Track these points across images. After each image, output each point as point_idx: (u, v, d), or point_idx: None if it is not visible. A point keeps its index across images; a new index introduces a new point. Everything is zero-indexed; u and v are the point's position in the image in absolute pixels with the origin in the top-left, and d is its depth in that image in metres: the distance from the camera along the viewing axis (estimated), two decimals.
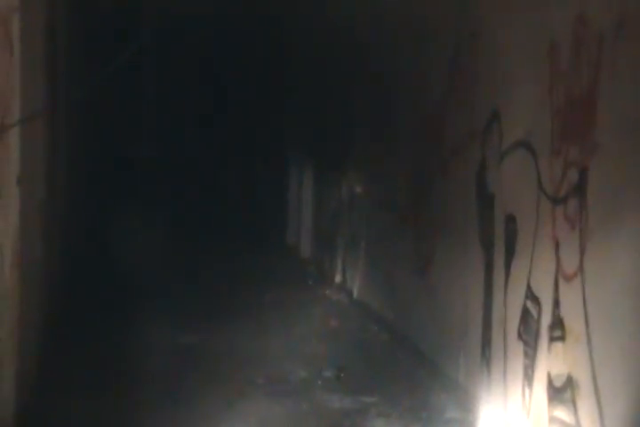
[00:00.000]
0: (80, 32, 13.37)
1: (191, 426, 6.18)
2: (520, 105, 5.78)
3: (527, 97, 5.63)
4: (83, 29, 13.69)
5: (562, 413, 4.93)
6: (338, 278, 11.88)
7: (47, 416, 6.27)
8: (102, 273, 12.53)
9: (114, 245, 13.09)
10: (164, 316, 9.56)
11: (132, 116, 17.43)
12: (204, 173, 17.64)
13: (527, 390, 5.43)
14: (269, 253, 14.81)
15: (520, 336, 5.59)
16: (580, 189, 4.79)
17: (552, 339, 5.09)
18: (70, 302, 10.30)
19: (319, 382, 7.33)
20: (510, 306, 5.79)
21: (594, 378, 4.58)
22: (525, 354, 5.48)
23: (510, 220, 5.85)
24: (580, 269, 4.75)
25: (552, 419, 5.05)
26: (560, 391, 4.94)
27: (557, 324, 5.01)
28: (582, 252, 4.72)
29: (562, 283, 4.98)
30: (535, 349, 5.32)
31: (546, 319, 5.17)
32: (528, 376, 5.42)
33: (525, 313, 5.50)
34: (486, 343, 6.24)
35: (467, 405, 6.53)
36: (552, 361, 5.08)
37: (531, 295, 5.42)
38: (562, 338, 4.96)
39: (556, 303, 5.03)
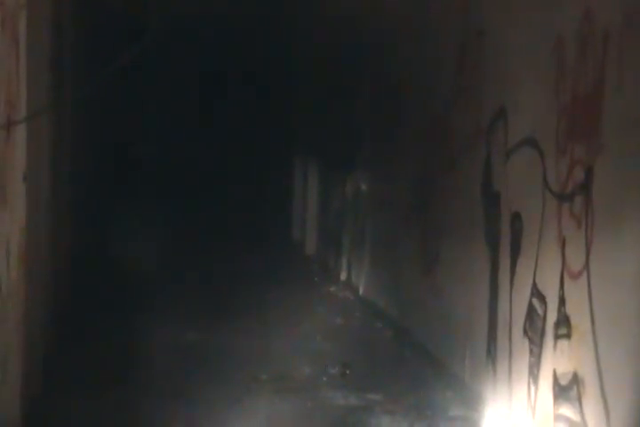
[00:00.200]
0: (86, 29, 13.38)
1: (198, 424, 6.19)
2: (526, 103, 5.78)
3: (533, 95, 5.62)
4: (89, 26, 13.70)
5: (567, 411, 4.92)
6: (343, 276, 11.88)
7: (53, 415, 6.28)
8: (106, 272, 12.55)
9: (117, 244, 13.11)
10: (169, 314, 9.57)
11: (133, 116, 17.44)
12: (209, 172, 17.65)
13: (533, 388, 5.43)
14: (275, 251, 14.82)
15: (526, 334, 5.59)
16: (585, 187, 4.79)
17: (558, 337, 5.08)
18: (75, 300, 10.32)
19: (324, 379, 7.34)
20: (516, 304, 5.79)
21: (600, 376, 4.58)
22: (531, 352, 5.48)
23: (516, 218, 5.85)
24: (586, 266, 4.75)
25: (558, 417, 5.05)
26: (566, 389, 4.94)
27: (563, 322, 5.01)
28: (588, 250, 4.72)
29: (567, 281, 4.98)
30: (541, 347, 5.31)
31: (551, 317, 5.17)
32: (533, 374, 5.42)
33: (531, 311, 5.50)
34: (492, 341, 6.24)
35: (472, 403, 6.53)
36: (558, 359, 5.08)
37: (536, 293, 5.42)
38: (567, 336, 4.95)
39: (562, 301, 5.03)
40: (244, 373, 7.39)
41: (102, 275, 12.35)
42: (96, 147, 15.93)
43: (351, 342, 8.73)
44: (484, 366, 6.37)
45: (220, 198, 17.27)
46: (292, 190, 15.98)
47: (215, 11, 13.68)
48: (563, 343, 5.02)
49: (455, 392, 6.93)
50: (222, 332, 8.89)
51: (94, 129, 15.61)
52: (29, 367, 6.12)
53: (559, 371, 5.04)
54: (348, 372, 7.53)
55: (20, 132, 5.75)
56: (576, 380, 4.82)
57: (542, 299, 5.31)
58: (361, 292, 10.78)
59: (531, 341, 5.50)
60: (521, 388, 5.63)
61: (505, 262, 6.03)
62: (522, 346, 5.64)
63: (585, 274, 4.76)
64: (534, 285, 5.46)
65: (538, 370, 5.36)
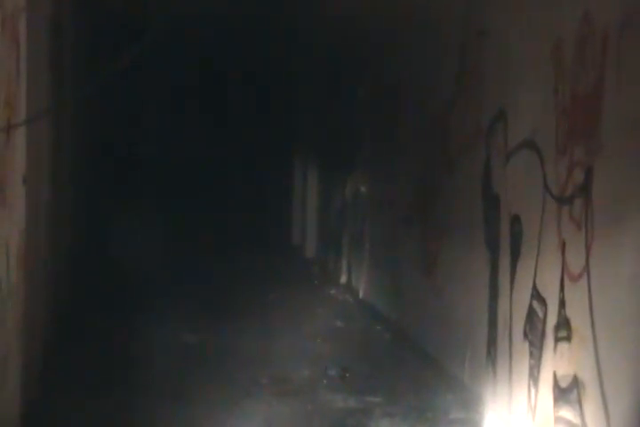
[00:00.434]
0: (86, 30, 13.38)
1: (197, 426, 6.18)
2: (526, 105, 5.77)
3: (533, 97, 5.62)
4: (89, 27, 13.70)
5: (568, 413, 4.92)
6: (343, 278, 11.88)
7: (52, 415, 6.27)
8: (105, 272, 12.55)
9: (116, 245, 13.11)
10: (168, 315, 9.56)
11: (133, 116, 17.44)
12: (208, 172, 17.64)
13: (533, 391, 5.43)
14: (275, 253, 14.81)
15: (526, 336, 5.58)
16: (585, 189, 4.78)
17: (558, 339, 5.08)
18: (75, 300, 10.31)
19: (324, 382, 7.33)
20: (516, 306, 5.78)
21: (600, 378, 4.57)
22: (531, 354, 5.47)
23: (516, 220, 5.84)
24: (586, 269, 4.74)
25: (558, 419, 5.04)
26: (566, 392, 4.93)
27: (563, 324, 5.00)
28: (588, 252, 4.72)
29: (568, 283, 4.97)
30: (541, 349, 5.31)
31: (552, 320, 5.16)
32: (534, 377, 5.41)
33: (531, 313, 5.49)
34: (492, 344, 6.23)
35: (472, 405, 6.52)
36: (558, 361, 5.07)
37: (536, 295, 5.41)
38: (568, 338, 4.95)
39: (562, 304, 5.02)
40: (243, 375, 7.39)
41: (102, 275, 12.36)
42: (96, 147, 15.94)
43: (351, 345, 8.72)
44: (484, 368, 6.36)
45: (217, 199, 17.26)
46: (292, 191, 15.97)
47: (215, 11, 13.66)
48: (563, 346, 5.01)
49: (455, 394, 6.92)
50: (221, 334, 8.89)
51: (94, 129, 15.61)
52: (29, 368, 6.11)
53: (559, 373, 5.04)
54: (347, 374, 7.53)
55: (20, 135, 5.75)
56: (576, 382, 4.81)
57: (542, 301, 5.31)
58: (361, 294, 10.77)
59: (531, 343, 5.49)
60: (521, 390, 5.62)
61: (505, 265, 6.03)
62: (522, 348, 5.63)
63: (585, 276, 4.76)
64: (534, 287, 5.45)
65: (538, 372, 5.35)
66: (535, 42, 5.59)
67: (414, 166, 8.58)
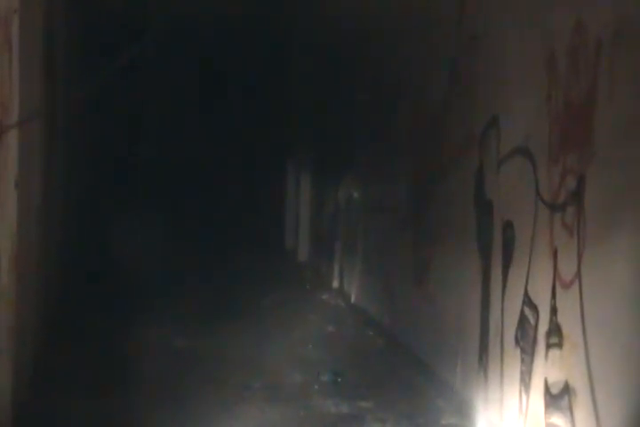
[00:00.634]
0: (79, 32, 13.37)
1: None
2: (518, 111, 5.77)
3: (525, 103, 5.62)
4: (81, 30, 13.69)
5: (559, 420, 4.92)
6: (335, 283, 11.87)
7: (43, 418, 6.26)
8: (100, 274, 12.53)
9: (112, 247, 13.10)
10: (161, 319, 9.55)
11: (131, 117, 17.43)
12: (203, 174, 17.63)
13: (524, 397, 5.43)
14: (267, 257, 14.80)
15: (517, 343, 5.58)
16: (577, 196, 4.78)
17: (549, 346, 5.08)
18: (68, 303, 10.30)
19: (316, 387, 7.32)
20: (507, 313, 5.78)
21: (591, 385, 4.58)
22: (522, 361, 5.47)
23: (508, 226, 5.84)
24: (578, 276, 4.75)
25: (549, 425, 5.05)
26: (557, 398, 4.93)
27: (555, 331, 5.01)
28: (580, 259, 4.72)
29: (559, 290, 4.97)
30: (532, 355, 5.31)
31: (543, 326, 5.16)
32: (525, 383, 5.41)
33: (523, 320, 5.49)
34: (483, 350, 6.23)
35: (463, 411, 6.51)
36: (549, 368, 5.07)
37: (528, 302, 5.41)
38: (559, 345, 4.95)
39: (554, 310, 5.02)
40: (235, 380, 7.37)
41: (99, 276, 12.34)
42: (95, 148, 15.94)
43: (343, 350, 8.71)
44: (475, 374, 6.36)
45: (211, 200, 17.25)
46: (285, 195, 15.96)
47: (215, 11, 13.67)
48: (554, 352, 5.01)
49: (447, 400, 6.92)
50: (212, 339, 8.87)
51: (94, 129, 15.61)
52: (19, 370, 6.10)
53: (550, 380, 5.04)
54: (339, 380, 7.52)
55: (13, 137, 5.74)
56: (567, 389, 4.82)
57: (534, 308, 5.31)
58: (353, 299, 10.77)
59: (522, 350, 5.49)
60: (512, 396, 5.62)
61: (497, 271, 6.03)
62: (513, 355, 5.63)
63: (576, 283, 4.76)
64: (526, 294, 5.45)
65: (529, 379, 5.35)
66: (529, 48, 5.59)
67: (408, 171, 8.57)
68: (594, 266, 4.64)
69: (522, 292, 5.50)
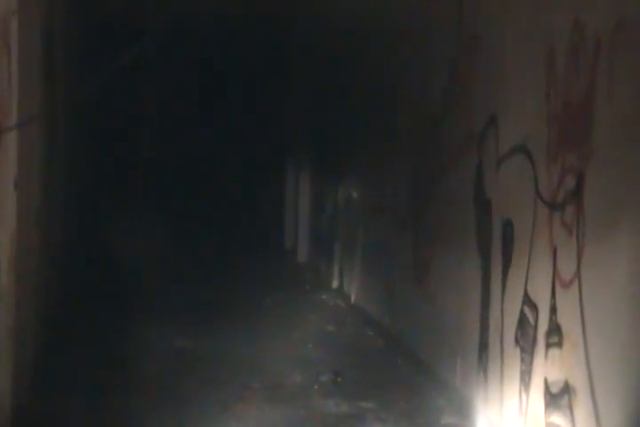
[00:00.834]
0: (79, 33, 13.38)
1: None
2: (517, 110, 5.78)
3: (525, 102, 5.63)
4: (81, 30, 13.70)
5: (559, 419, 4.92)
6: (335, 283, 11.87)
7: (42, 419, 6.26)
8: (100, 275, 12.53)
9: (112, 247, 13.09)
10: (161, 319, 9.55)
11: (131, 117, 17.43)
12: (203, 175, 17.62)
13: (524, 396, 5.43)
14: (266, 257, 14.80)
15: (517, 342, 5.58)
16: (577, 194, 4.79)
17: (549, 345, 5.08)
18: (68, 304, 10.29)
19: (316, 387, 7.32)
20: (507, 312, 5.78)
21: (591, 384, 4.58)
22: (522, 360, 5.47)
23: (507, 225, 5.84)
24: (578, 275, 4.75)
25: (549, 425, 5.05)
26: (557, 398, 4.93)
27: (554, 330, 5.01)
28: (579, 258, 4.72)
29: (559, 289, 4.97)
30: (532, 355, 5.31)
31: (543, 325, 5.16)
32: (525, 382, 5.41)
33: (522, 319, 5.50)
34: (483, 349, 6.23)
35: (463, 410, 6.52)
36: (549, 367, 5.07)
37: (528, 301, 5.41)
38: (559, 344, 4.95)
39: (553, 309, 5.02)
40: (235, 380, 7.37)
41: (99, 277, 12.34)
42: (95, 148, 15.94)
43: (343, 350, 8.71)
44: (475, 373, 6.36)
45: (211, 200, 17.25)
46: (284, 195, 15.96)
47: (215, 11, 13.67)
48: (554, 352, 5.01)
49: (447, 400, 6.92)
50: (212, 339, 8.87)
51: (94, 130, 15.62)
52: (19, 371, 6.10)
53: (550, 379, 5.04)
54: (339, 379, 7.52)
55: (12, 139, 5.74)
56: (567, 388, 4.82)
57: (534, 307, 5.31)
58: (353, 299, 10.77)
59: (522, 349, 5.49)
60: (512, 396, 5.62)
61: (496, 270, 6.03)
62: (513, 354, 5.63)
63: (576, 282, 4.76)
64: (525, 293, 5.45)
65: (529, 378, 5.35)
66: (528, 48, 5.60)
67: (407, 172, 8.57)
68: (593, 265, 4.64)
69: (521, 291, 5.50)
